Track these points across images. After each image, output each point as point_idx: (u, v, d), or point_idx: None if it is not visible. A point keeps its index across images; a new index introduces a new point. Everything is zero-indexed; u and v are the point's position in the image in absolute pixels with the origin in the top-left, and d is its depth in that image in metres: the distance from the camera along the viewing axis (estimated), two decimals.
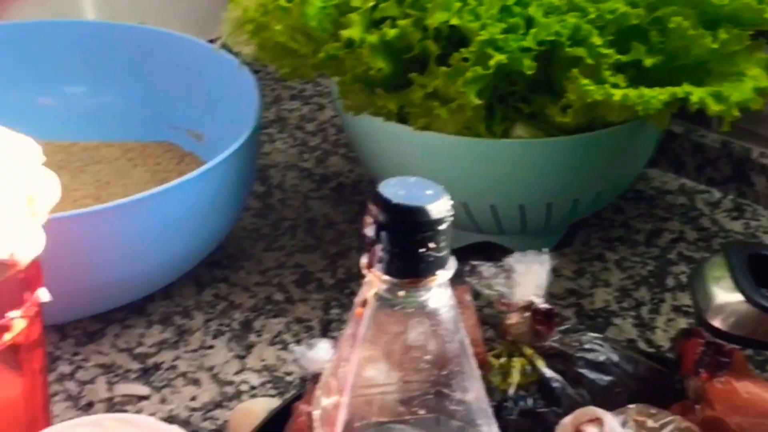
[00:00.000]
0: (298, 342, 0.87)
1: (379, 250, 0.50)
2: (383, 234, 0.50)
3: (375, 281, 0.51)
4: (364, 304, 0.52)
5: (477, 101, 0.81)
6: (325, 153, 1.10)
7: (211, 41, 1.02)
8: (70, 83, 1.06)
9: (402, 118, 0.87)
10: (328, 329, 0.88)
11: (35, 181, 0.71)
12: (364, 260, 0.51)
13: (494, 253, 0.92)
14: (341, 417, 0.53)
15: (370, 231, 0.50)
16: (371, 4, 0.85)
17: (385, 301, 0.51)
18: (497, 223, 0.91)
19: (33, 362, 0.72)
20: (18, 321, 0.70)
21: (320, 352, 0.70)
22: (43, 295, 0.71)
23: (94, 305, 0.87)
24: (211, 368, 0.85)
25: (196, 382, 0.83)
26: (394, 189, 0.50)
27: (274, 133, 1.14)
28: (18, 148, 0.71)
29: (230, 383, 0.83)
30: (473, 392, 0.54)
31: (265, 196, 1.04)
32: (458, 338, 0.52)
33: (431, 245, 0.50)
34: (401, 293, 0.51)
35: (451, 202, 0.50)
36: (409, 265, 0.50)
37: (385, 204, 0.49)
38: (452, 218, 0.50)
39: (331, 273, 0.94)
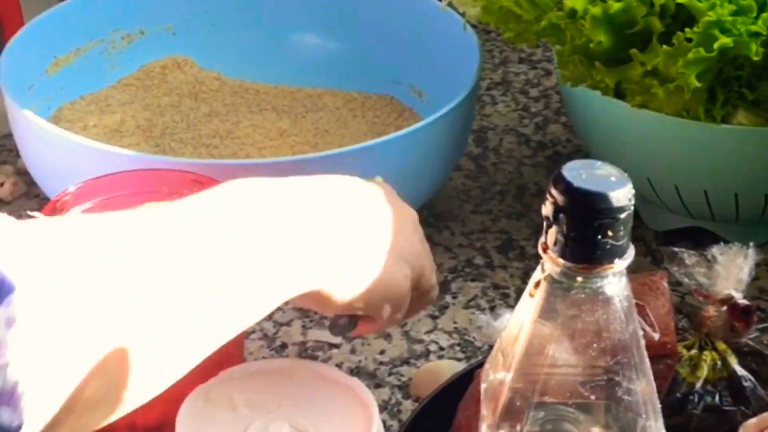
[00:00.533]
0: (492, 308, 0.87)
1: (556, 232, 0.49)
2: (562, 217, 0.49)
3: (550, 263, 0.50)
4: (537, 284, 0.51)
5: (697, 84, 0.79)
6: (546, 120, 1.09)
7: None
8: (298, 30, 1.08)
9: (619, 94, 0.85)
10: None
11: None
12: (541, 242, 0.51)
13: (702, 239, 0.90)
14: (505, 393, 0.53)
15: (548, 212, 0.50)
16: None
17: (559, 284, 0.51)
18: (709, 209, 0.89)
19: None
20: None
21: (505, 323, 0.70)
22: None
23: None
24: (403, 325, 0.86)
25: (387, 336, 0.85)
26: (577, 172, 0.49)
27: (497, 95, 1.13)
28: None
29: (420, 341, 0.84)
30: (642, 385, 0.53)
31: (479, 157, 1.04)
32: (631, 329, 0.51)
33: (610, 233, 0.49)
34: (575, 278, 0.50)
35: (633, 192, 0.49)
36: (586, 251, 0.49)
37: (566, 187, 0.49)
38: (633, 207, 0.49)
39: (534, 242, 0.93)
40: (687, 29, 0.79)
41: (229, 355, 0.75)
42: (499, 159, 1.04)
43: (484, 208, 0.98)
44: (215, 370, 0.73)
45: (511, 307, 0.85)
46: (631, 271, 0.52)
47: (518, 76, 1.16)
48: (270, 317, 0.86)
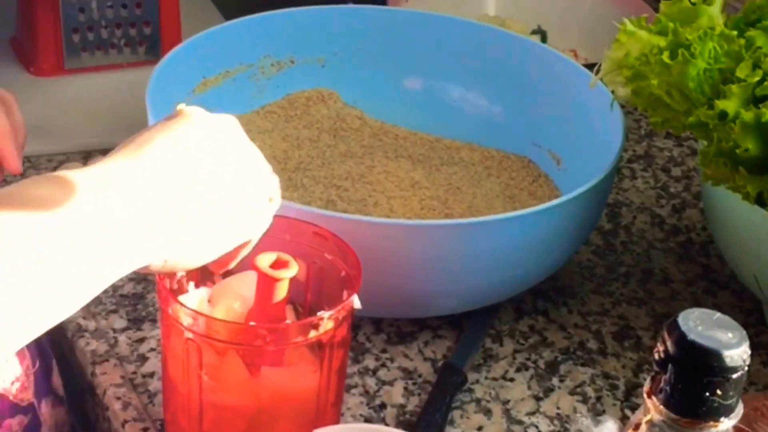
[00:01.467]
0: (598, 399, 0.85)
1: (663, 379, 0.48)
2: (671, 366, 0.48)
3: (653, 409, 0.49)
4: (637, 427, 0.50)
5: None
6: (683, 203, 1.07)
7: (589, 66, 1.00)
8: (445, 79, 1.08)
9: (761, 200, 0.83)
10: (632, 394, 0.86)
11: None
12: (646, 385, 0.49)
13: None
14: None
15: (658, 358, 0.48)
16: (756, 79, 0.81)
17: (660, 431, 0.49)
18: None
19: (333, 361, 0.74)
20: (327, 321, 0.72)
21: None
22: (356, 302, 0.74)
23: (413, 310, 0.89)
24: (506, 402, 0.85)
25: (487, 411, 0.84)
26: (693, 323, 0.48)
27: (638, 169, 1.11)
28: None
29: (520, 423, 0.83)
30: None
31: (609, 234, 1.02)
32: None
33: (719, 392, 0.47)
34: (678, 430, 0.49)
35: (748, 352, 0.47)
36: (691, 406, 0.48)
37: (679, 337, 0.47)
38: (747, 368, 0.47)
39: (652, 333, 0.92)
40: None
41: (327, 405, 0.75)
42: (630, 238, 1.02)
43: (605, 289, 0.96)
44: (312, 422, 0.74)
45: (619, 401, 0.84)
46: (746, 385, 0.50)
47: (662, 152, 1.14)
48: (374, 372, 0.86)
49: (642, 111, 0.89)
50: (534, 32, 1.28)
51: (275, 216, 0.79)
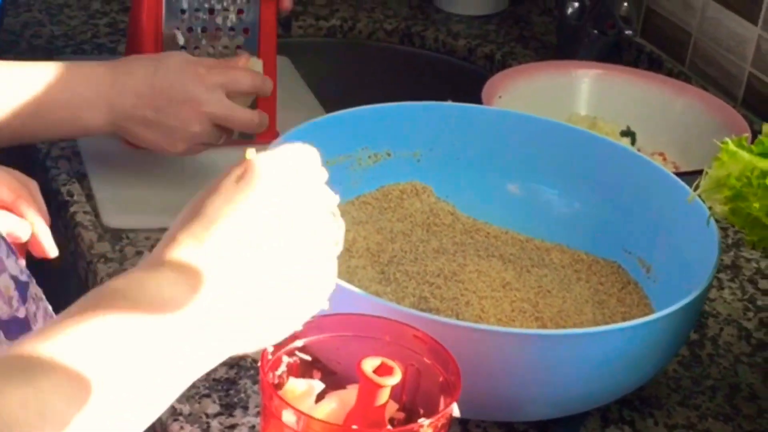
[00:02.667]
0: None
1: None
2: None
3: None
4: None
5: None
6: None
7: (679, 174, 1.01)
8: (539, 181, 1.09)
9: None
10: None
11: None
12: None
13: None
14: None
15: None
16: None
17: None
18: None
19: None
20: (426, 429, 0.73)
21: None
22: (455, 411, 0.75)
23: (501, 414, 0.90)
24: None
25: None
26: None
27: (725, 279, 1.12)
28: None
29: None
30: None
31: (696, 345, 1.02)
32: None
33: None
34: None
35: None
36: None
37: None
38: None
39: None
40: None
41: None
42: (717, 351, 1.02)
43: (692, 402, 0.96)
44: None
45: None
46: None
47: (750, 263, 1.14)
48: None
49: (739, 228, 0.90)
50: (623, 133, 1.29)
51: (377, 317, 0.81)
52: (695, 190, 0.93)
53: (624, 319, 0.98)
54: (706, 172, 0.91)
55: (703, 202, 0.94)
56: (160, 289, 0.65)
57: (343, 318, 0.80)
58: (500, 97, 1.26)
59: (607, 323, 0.98)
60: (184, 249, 0.67)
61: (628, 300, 1.02)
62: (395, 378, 0.74)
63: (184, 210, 0.70)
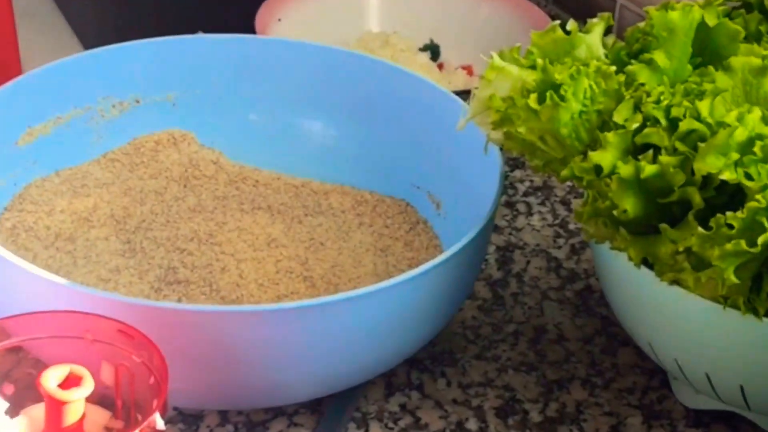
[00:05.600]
0: None
1: None
2: None
3: None
4: None
5: (735, 280, 0.65)
6: (583, 243, 0.95)
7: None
8: (310, 117, 0.96)
9: (649, 262, 0.71)
10: None
11: None
12: None
13: (740, 425, 0.77)
14: None
15: None
16: (636, 125, 0.69)
17: None
18: (745, 401, 0.74)
19: None
20: None
21: None
22: (159, 423, 0.62)
23: (262, 401, 0.77)
24: None
25: None
26: None
27: (535, 203, 1.00)
28: None
29: None
30: None
31: (498, 284, 0.91)
32: None
33: None
34: None
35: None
36: None
37: None
38: None
39: (541, 406, 0.80)
40: (729, 213, 0.64)
41: None
42: (521, 289, 0.90)
43: (491, 353, 0.85)
44: None
45: None
46: None
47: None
48: None
49: (518, 154, 0.78)
50: (425, 48, 1.16)
51: (72, 312, 0.68)
52: (462, 119, 0.80)
53: (410, 266, 0.86)
54: (474, 94, 0.79)
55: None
56: None
57: (36, 317, 0.67)
58: (279, 20, 1.12)
59: (390, 273, 0.86)
60: None
61: (416, 243, 0.89)
62: (84, 390, 0.61)
63: None
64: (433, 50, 1.15)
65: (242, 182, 0.93)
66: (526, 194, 1.00)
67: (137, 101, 0.95)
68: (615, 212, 0.68)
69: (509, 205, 0.99)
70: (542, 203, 1.00)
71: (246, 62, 0.96)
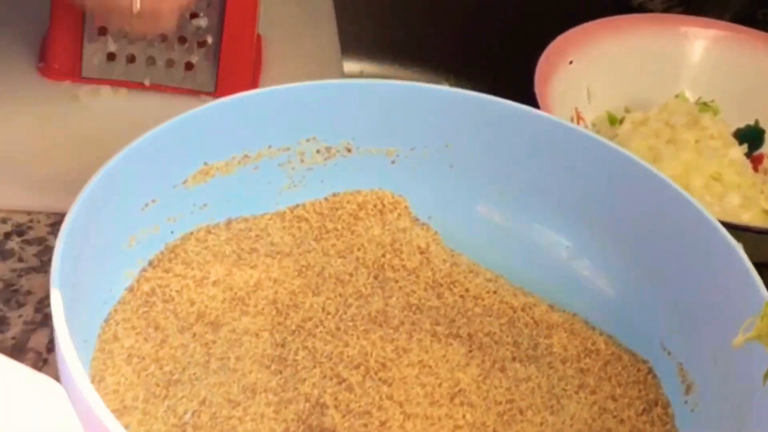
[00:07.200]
0: None
1: None
2: None
3: None
4: None
5: None
6: None
7: None
8: (550, 223, 0.75)
9: None
10: None
11: None
12: None
13: None
14: None
15: None
16: None
17: None
18: None
19: None
20: None
21: None
22: None
23: None
24: None
25: None
26: None
27: None
28: None
29: None
30: None
31: None
32: None
33: None
34: None
35: None
36: None
37: None
38: None
39: None
40: None
41: None
42: None
43: None
44: None
45: None
46: None
47: None
48: None
49: None
50: (743, 134, 0.90)
51: None
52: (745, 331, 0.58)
53: None
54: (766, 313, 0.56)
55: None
56: None
57: None
58: (571, 62, 0.89)
59: None
60: None
61: None
62: None
63: None
64: (754, 136, 0.89)
65: (448, 289, 0.73)
66: None
67: (348, 149, 0.75)
68: None
69: None
70: None
71: (497, 133, 0.75)
